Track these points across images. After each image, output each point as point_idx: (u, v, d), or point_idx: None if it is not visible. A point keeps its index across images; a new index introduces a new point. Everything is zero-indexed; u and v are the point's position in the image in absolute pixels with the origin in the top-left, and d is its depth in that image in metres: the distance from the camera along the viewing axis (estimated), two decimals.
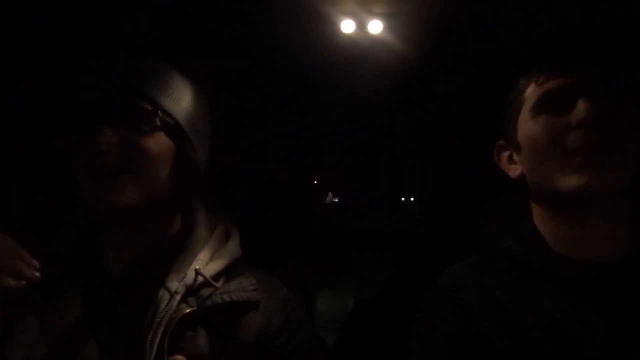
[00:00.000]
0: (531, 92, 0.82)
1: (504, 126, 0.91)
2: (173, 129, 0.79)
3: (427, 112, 1.74)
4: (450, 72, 1.58)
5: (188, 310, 0.74)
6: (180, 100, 0.81)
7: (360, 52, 1.45)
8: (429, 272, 0.96)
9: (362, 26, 1.37)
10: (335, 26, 1.37)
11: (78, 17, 1.21)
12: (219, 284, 0.78)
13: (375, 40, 1.41)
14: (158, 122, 0.77)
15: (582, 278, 0.76)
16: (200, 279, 0.77)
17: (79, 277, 0.77)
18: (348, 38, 1.41)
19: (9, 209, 1.06)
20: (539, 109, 0.80)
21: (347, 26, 1.38)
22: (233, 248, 0.87)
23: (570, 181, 0.75)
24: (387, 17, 1.35)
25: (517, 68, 1.50)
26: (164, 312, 0.72)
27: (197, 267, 0.78)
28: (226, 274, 0.82)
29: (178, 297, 0.74)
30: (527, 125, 0.82)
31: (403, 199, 2.29)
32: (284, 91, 1.61)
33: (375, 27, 1.39)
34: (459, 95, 1.64)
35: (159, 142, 0.77)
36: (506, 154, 0.91)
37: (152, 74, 0.78)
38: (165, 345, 0.69)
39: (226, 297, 0.77)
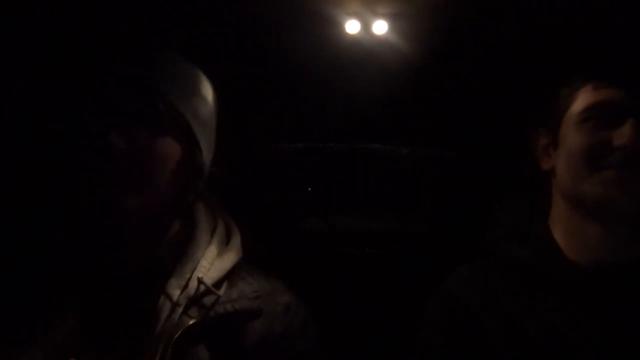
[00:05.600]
0: (585, 94, 0.81)
1: (545, 116, 0.91)
2: (184, 131, 0.77)
3: (431, 112, 1.74)
4: (455, 72, 1.58)
5: (191, 323, 0.72)
6: (195, 101, 0.79)
7: (364, 52, 1.45)
8: (433, 273, 0.96)
9: (366, 26, 1.37)
10: (339, 27, 1.37)
11: (93, 13, 1.22)
12: (220, 292, 0.76)
13: (379, 41, 1.41)
14: (170, 125, 0.75)
15: (591, 286, 0.76)
16: (202, 287, 0.75)
17: (77, 283, 0.75)
18: (352, 38, 1.41)
19: (8, 208, 1.05)
20: (588, 114, 0.80)
21: (352, 26, 1.38)
22: (234, 250, 0.85)
23: (595, 191, 0.76)
24: (392, 18, 1.35)
25: (522, 67, 1.51)
26: (165, 324, 0.70)
27: (200, 276, 0.76)
28: (227, 278, 0.80)
29: (180, 309, 0.72)
30: (572, 128, 0.82)
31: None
32: (288, 91, 1.61)
33: (380, 27, 1.39)
34: (463, 95, 1.64)
35: (170, 147, 0.75)
36: (543, 142, 0.91)
37: (168, 71, 0.76)
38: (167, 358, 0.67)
39: (229, 307, 0.75)
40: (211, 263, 0.78)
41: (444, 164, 1.90)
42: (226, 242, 0.85)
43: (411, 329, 0.91)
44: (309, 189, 2.07)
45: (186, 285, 0.75)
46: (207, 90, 0.83)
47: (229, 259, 0.82)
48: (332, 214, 2.05)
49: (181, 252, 0.78)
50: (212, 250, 0.80)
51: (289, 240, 1.82)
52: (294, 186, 1.98)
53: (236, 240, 0.86)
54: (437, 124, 1.79)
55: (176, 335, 0.69)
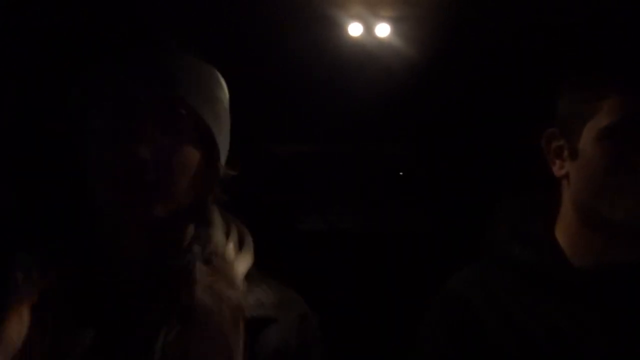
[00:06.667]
0: (613, 106, 0.74)
1: (561, 116, 0.84)
2: (204, 134, 0.75)
3: (433, 114, 1.75)
4: (457, 74, 1.58)
5: None
6: (215, 103, 0.76)
7: (367, 54, 1.45)
8: (434, 273, 0.97)
9: (369, 29, 1.38)
10: (342, 29, 1.38)
11: (93, 13, 1.21)
12: None
13: (382, 43, 1.42)
14: (192, 129, 0.72)
15: (594, 289, 0.76)
16: None
17: (90, 292, 0.73)
18: (355, 41, 1.42)
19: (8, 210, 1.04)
20: (614, 130, 0.73)
21: (355, 29, 1.39)
22: (248, 254, 0.84)
23: (619, 217, 0.73)
24: (394, 20, 1.36)
25: (524, 69, 1.51)
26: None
27: None
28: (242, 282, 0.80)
29: None
30: (595, 142, 0.74)
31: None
32: (290, 93, 1.62)
33: (383, 30, 1.40)
34: (465, 96, 1.64)
35: (194, 154, 0.71)
36: (556, 144, 0.84)
37: (188, 73, 0.72)
38: None
39: (247, 314, 0.76)
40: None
41: (444, 164, 1.91)
42: (240, 245, 0.83)
43: (412, 329, 0.91)
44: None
45: None
46: (224, 90, 0.81)
47: (245, 263, 0.81)
48: (332, 214, 2.06)
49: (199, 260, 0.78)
50: (229, 254, 0.79)
51: (289, 240, 1.82)
52: (294, 187, 1.98)
53: (249, 244, 0.84)
54: (439, 126, 1.80)
55: None
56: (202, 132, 0.74)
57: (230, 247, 0.80)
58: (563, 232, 0.82)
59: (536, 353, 0.74)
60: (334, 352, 0.89)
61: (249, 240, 0.85)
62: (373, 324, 1.66)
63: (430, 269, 1.03)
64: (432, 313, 0.86)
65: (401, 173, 2.13)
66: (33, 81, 1.28)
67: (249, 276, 0.81)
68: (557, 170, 0.83)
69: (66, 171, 0.79)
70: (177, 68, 0.73)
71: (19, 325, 0.67)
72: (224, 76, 0.86)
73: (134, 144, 0.66)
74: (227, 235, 0.83)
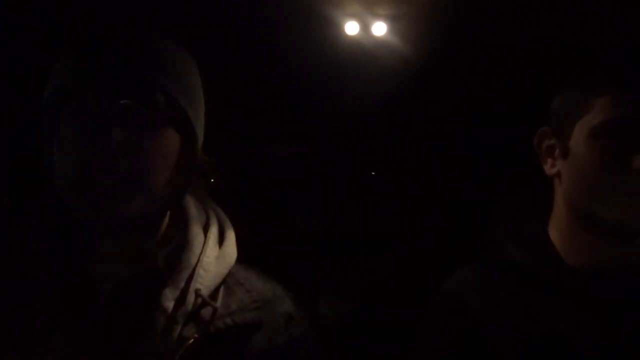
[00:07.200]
0: (603, 106, 0.74)
1: (553, 116, 0.85)
2: (181, 122, 0.73)
3: (430, 113, 1.75)
4: (454, 73, 1.59)
5: (190, 342, 0.67)
6: (191, 90, 0.73)
7: (363, 53, 1.46)
8: (430, 273, 0.97)
9: (365, 28, 1.38)
10: (339, 28, 1.38)
11: (92, 13, 1.20)
12: (218, 302, 0.72)
13: (378, 42, 1.42)
14: (169, 117, 0.70)
15: (589, 289, 0.76)
16: (200, 299, 0.70)
17: (61, 294, 0.71)
18: (352, 39, 1.42)
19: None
20: (604, 130, 0.72)
21: (351, 28, 1.39)
22: (229, 251, 0.80)
23: (610, 216, 0.73)
24: (391, 19, 1.36)
25: (520, 69, 1.52)
26: (164, 342, 0.66)
27: (197, 287, 0.71)
28: (223, 283, 0.75)
29: (178, 327, 0.68)
30: (586, 141, 0.75)
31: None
32: (289, 92, 1.62)
33: (379, 28, 1.40)
34: (462, 96, 1.64)
35: (170, 141, 0.69)
36: (548, 142, 0.84)
37: (165, 59, 0.69)
38: None
39: (229, 321, 0.71)
40: (207, 270, 0.74)
41: (441, 163, 1.91)
42: (220, 240, 0.81)
43: (412, 329, 0.91)
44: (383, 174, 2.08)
45: (183, 298, 0.69)
46: (197, 74, 0.78)
47: (225, 263, 0.77)
48: (331, 214, 2.06)
49: (173, 256, 0.73)
50: (208, 254, 0.74)
51: (288, 240, 1.82)
52: (292, 187, 1.99)
53: (231, 239, 0.81)
54: (436, 125, 1.80)
55: (177, 357, 0.66)
56: (178, 120, 0.72)
57: (210, 246, 0.77)
58: (556, 232, 0.82)
59: (533, 353, 0.74)
60: (334, 352, 0.89)
61: (230, 234, 0.81)
62: (373, 323, 1.66)
63: (430, 270, 1.03)
64: (431, 313, 0.86)
65: (373, 173, 2.14)
66: (10, 76, 1.27)
67: (230, 275, 0.78)
68: (549, 169, 0.83)
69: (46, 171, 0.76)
70: (153, 55, 0.70)
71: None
72: (218, 76, 0.85)
73: (105, 137, 0.62)
74: (206, 229, 0.79)
